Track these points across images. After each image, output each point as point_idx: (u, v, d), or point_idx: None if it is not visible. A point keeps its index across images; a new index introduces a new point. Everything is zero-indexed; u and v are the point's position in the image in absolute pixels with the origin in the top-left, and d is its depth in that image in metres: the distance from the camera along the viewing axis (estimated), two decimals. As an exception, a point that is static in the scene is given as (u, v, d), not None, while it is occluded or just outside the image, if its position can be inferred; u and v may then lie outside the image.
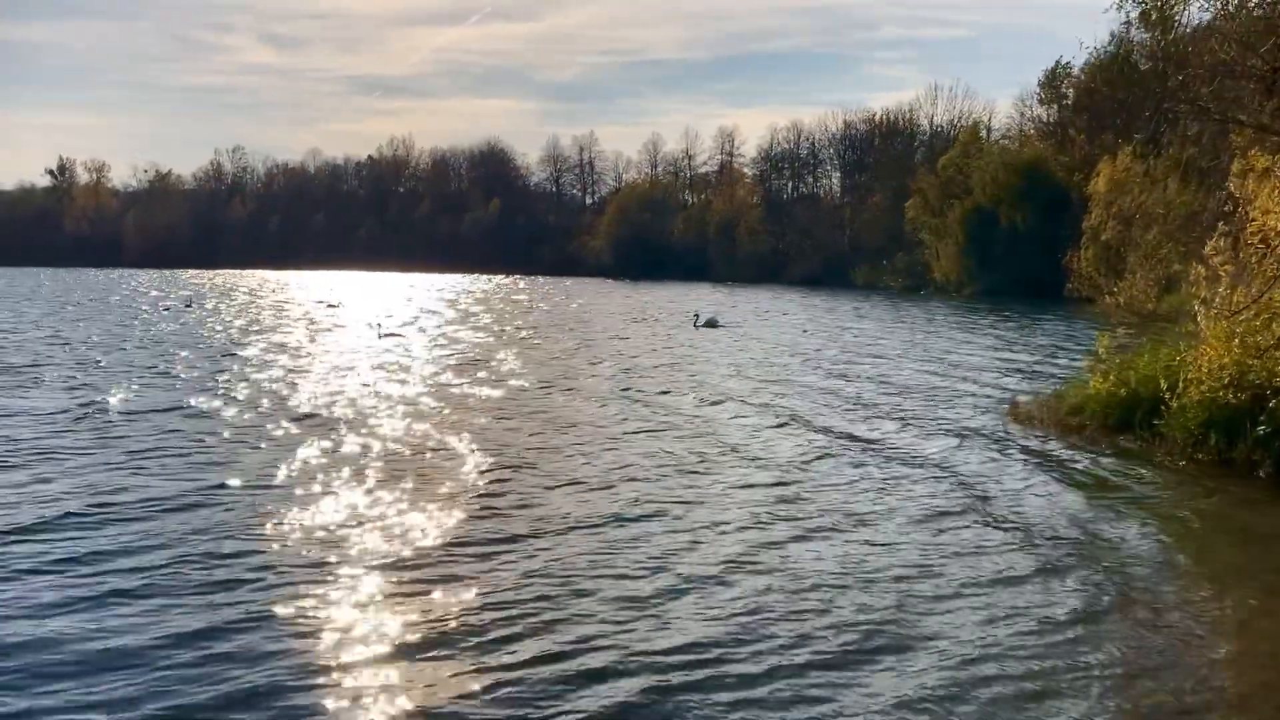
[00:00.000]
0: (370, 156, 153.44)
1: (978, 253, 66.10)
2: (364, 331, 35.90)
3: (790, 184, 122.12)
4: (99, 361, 25.13)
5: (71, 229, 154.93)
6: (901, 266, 79.31)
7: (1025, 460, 14.26)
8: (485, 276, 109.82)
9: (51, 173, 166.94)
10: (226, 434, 15.48)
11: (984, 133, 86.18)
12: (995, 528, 10.81)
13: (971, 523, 10.98)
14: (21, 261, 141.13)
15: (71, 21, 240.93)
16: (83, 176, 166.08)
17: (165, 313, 45.81)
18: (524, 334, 36.81)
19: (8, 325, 36.79)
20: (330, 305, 51.13)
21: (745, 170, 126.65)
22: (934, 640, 7.73)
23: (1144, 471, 13.57)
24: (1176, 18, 17.15)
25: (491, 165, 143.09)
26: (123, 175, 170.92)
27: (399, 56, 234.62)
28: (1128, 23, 19.48)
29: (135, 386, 20.45)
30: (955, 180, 71.90)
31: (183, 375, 22.77)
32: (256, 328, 38.10)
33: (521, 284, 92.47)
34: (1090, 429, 15.76)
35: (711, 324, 40.21)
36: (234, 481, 12.24)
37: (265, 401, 18.76)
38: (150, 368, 24.04)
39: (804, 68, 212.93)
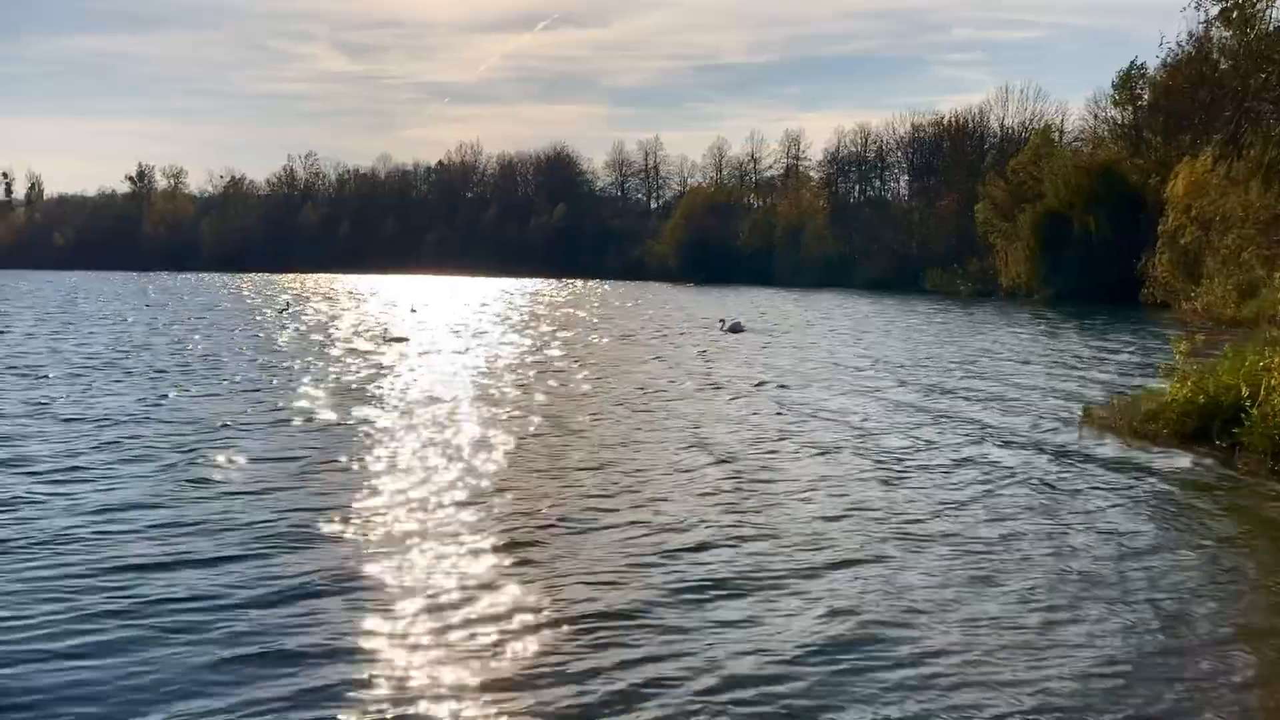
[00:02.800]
0: (439, 162, 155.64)
1: (1049, 257, 64.88)
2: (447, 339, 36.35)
3: (857, 187, 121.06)
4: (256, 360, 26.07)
5: (150, 233, 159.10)
6: (971, 271, 78.17)
7: (1099, 468, 13.95)
8: (550, 281, 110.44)
9: (131, 179, 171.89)
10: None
11: (1056, 135, 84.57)
12: (1071, 539, 10.57)
13: (1048, 535, 10.69)
14: (102, 265, 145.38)
15: (151, 32, 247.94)
16: (161, 182, 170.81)
17: (285, 317, 47.10)
18: (567, 335, 37.02)
19: (169, 332, 37.51)
20: (411, 310, 51.98)
21: (811, 174, 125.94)
22: (1024, 651, 7.59)
23: (1223, 481, 13.20)
24: (1259, 15, 16.70)
25: (557, 170, 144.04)
26: (199, 181, 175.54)
27: (469, 63, 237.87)
28: (1207, 21, 19.02)
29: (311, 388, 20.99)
30: (1026, 184, 70.64)
31: (344, 376, 23.42)
32: (362, 330, 38.80)
33: (584, 288, 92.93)
34: (1166, 437, 15.38)
35: (736, 329, 40.10)
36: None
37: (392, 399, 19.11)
38: (301, 368, 24.72)
39: (872, 71, 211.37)
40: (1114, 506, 11.86)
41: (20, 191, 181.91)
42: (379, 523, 10.69)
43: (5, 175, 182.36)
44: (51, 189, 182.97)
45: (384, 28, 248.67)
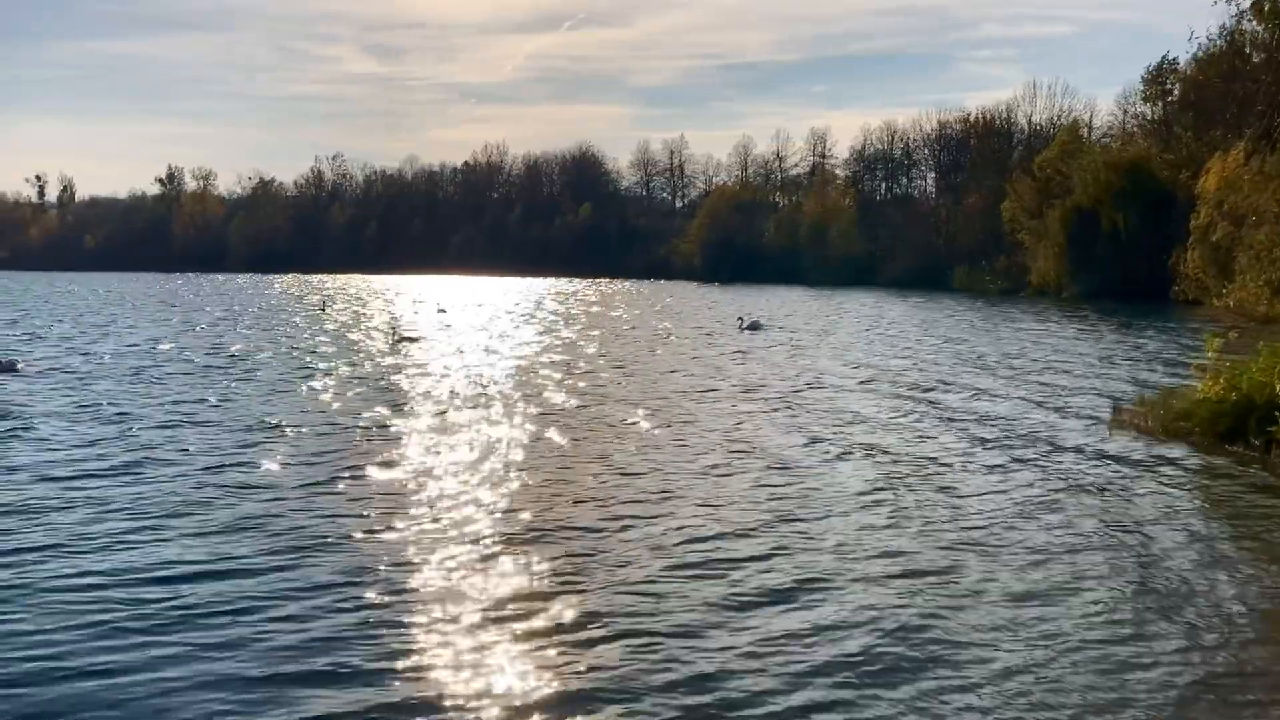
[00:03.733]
0: (465, 163, 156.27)
1: (1078, 254, 64.35)
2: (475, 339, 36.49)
3: (884, 185, 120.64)
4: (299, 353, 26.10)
5: (179, 235, 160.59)
6: (999, 269, 77.71)
7: (1130, 468, 13.79)
8: (575, 280, 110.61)
9: (161, 181, 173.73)
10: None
11: (1084, 131, 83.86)
12: (1114, 544, 10.38)
13: (1091, 541, 10.43)
14: (133, 267, 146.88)
15: (180, 35, 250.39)
16: (190, 184, 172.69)
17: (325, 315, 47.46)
18: (591, 332, 37.05)
19: (234, 333, 37.99)
20: (440, 310, 52.27)
21: (837, 172, 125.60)
22: (1093, 665, 7.46)
23: (1256, 480, 13.01)
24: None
25: (582, 170, 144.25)
26: (228, 183, 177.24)
27: (494, 64, 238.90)
28: (1238, 15, 18.77)
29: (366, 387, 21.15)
30: (1054, 180, 70.13)
31: (382, 376, 23.45)
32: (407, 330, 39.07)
33: (610, 287, 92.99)
34: (1198, 435, 15.18)
35: (755, 326, 39.97)
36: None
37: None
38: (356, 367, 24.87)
39: (899, 68, 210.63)
40: (1144, 507, 11.70)
41: (52, 194, 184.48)
42: (418, 528, 10.54)
43: (38, 178, 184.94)
44: (83, 191, 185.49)
45: (410, 29, 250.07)
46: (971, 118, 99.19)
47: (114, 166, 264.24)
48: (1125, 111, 79.46)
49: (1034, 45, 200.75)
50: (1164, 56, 71.85)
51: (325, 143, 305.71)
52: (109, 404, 18.67)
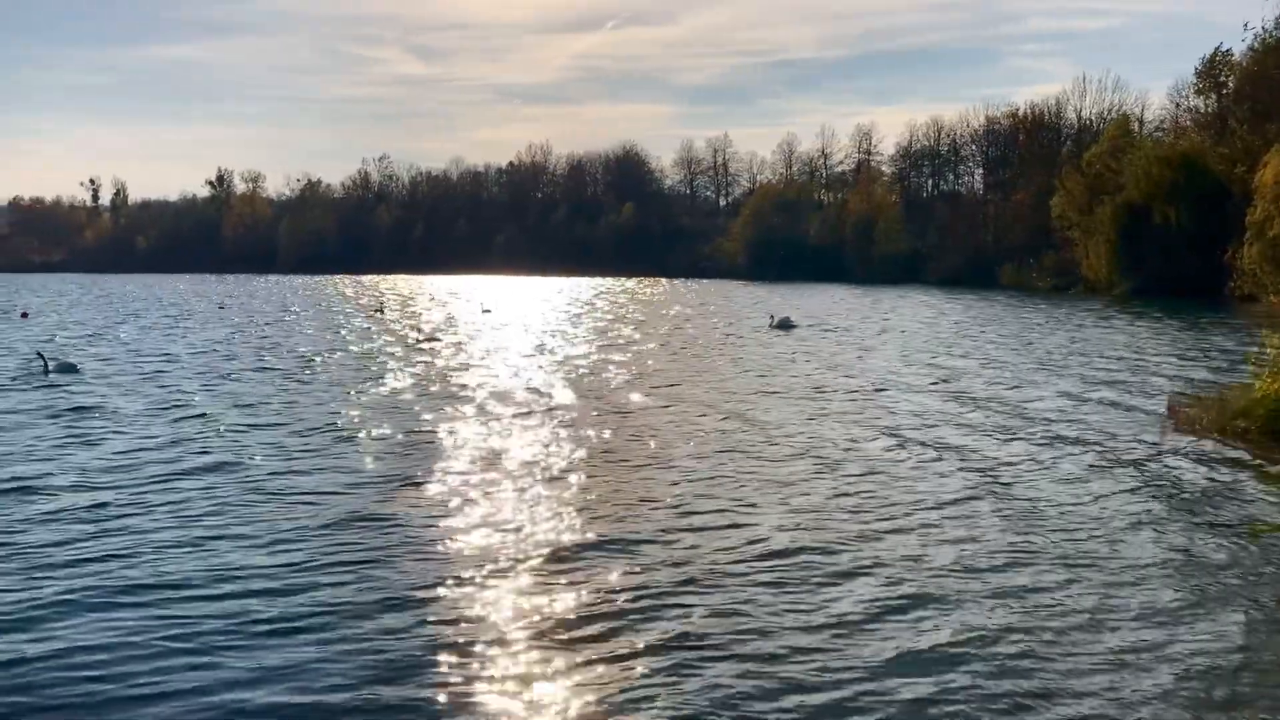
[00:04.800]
0: (510, 163, 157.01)
1: (1129, 251, 63.34)
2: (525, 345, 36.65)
3: (930, 182, 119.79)
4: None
5: (229, 236, 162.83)
6: (1048, 265, 76.72)
7: (1188, 468, 13.59)
8: (619, 279, 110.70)
9: (211, 183, 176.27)
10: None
11: (1135, 125, 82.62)
12: (1164, 541, 10.30)
13: (1158, 544, 10.29)
14: (184, 268, 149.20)
15: (229, 39, 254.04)
16: (240, 186, 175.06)
17: (381, 317, 47.83)
18: (629, 331, 37.07)
19: (297, 334, 38.60)
20: (485, 311, 52.68)
21: (883, 168, 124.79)
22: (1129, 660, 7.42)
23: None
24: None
25: (626, 169, 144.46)
26: (277, 185, 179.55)
27: (538, 64, 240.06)
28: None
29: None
30: (1104, 175, 69.09)
31: (434, 378, 23.72)
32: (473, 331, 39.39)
33: (654, 286, 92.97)
34: (1257, 434, 14.92)
35: (785, 325, 39.74)
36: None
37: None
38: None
39: (946, 63, 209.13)
40: (1205, 508, 11.53)
41: (106, 197, 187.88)
42: (494, 537, 10.31)
43: (92, 182, 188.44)
44: (135, 194, 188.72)
45: (455, 30, 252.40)
46: (1020, 113, 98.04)
47: (165, 169, 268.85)
48: (1178, 105, 78.14)
49: (1083, 38, 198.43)
50: (1217, 48, 70.47)
51: (372, 144, 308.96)
52: (172, 405, 18.88)
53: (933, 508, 11.57)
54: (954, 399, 20.18)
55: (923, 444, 15.36)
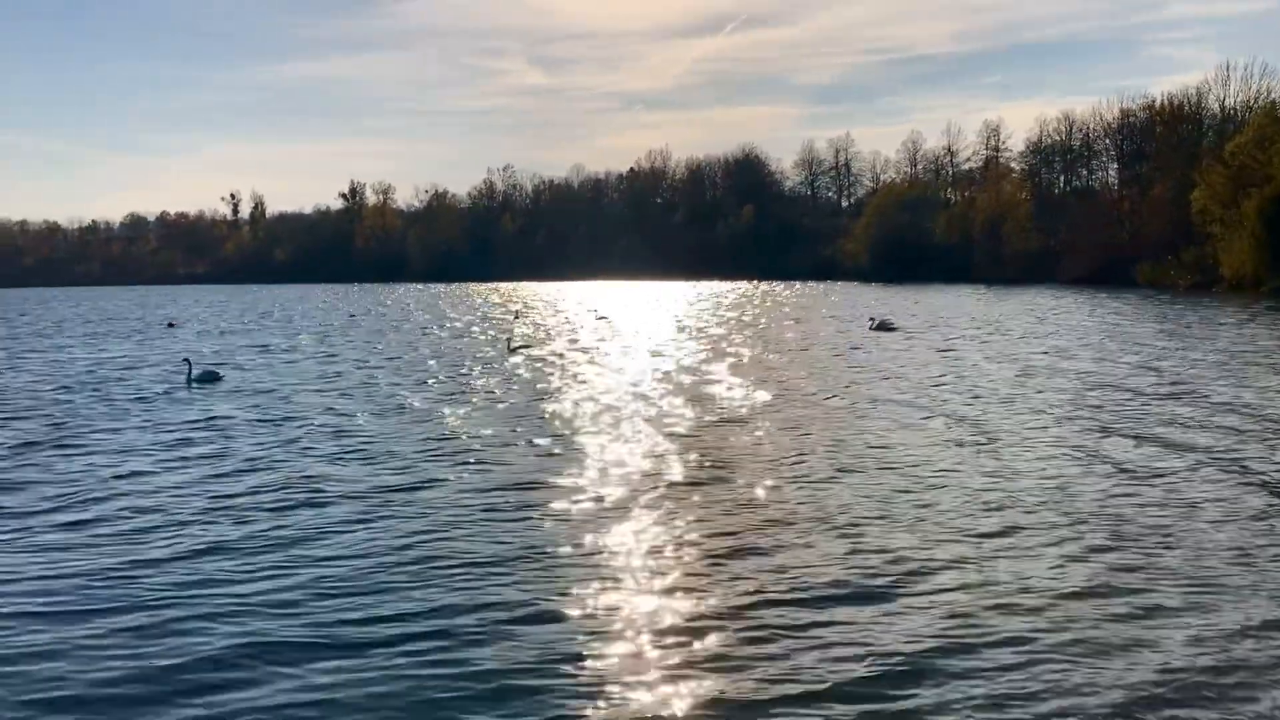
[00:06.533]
0: (630, 170, 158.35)
1: (1277, 246, 60.20)
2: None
3: (1062, 178, 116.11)
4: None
5: (361, 247, 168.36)
6: (1187, 262, 73.38)
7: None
8: (738, 283, 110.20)
9: (344, 196, 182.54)
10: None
11: (1284, 113, 78.37)
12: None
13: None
14: (318, 278, 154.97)
15: (361, 55, 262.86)
16: (371, 199, 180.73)
17: (516, 323, 48.73)
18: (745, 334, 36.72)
19: (438, 343, 39.71)
20: (599, 316, 53.21)
21: (1012, 165, 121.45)
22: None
23: None
24: None
25: (745, 172, 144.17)
26: (406, 196, 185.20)
27: (658, 70, 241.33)
28: None
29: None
30: (1249, 167, 65.75)
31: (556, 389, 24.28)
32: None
33: (773, 289, 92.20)
34: None
35: (885, 326, 38.72)
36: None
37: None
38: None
39: (1077, 55, 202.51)
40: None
41: (245, 211, 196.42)
42: (614, 547, 10.32)
43: (233, 196, 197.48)
44: (272, 208, 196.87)
45: (576, 39, 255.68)
46: (1157, 104, 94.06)
47: (300, 183, 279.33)
48: (1331, 91, 73.92)
49: (1226, 24, 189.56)
50: (1375, 29, 66.34)
51: (497, 154, 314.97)
52: (316, 416, 19.10)
53: (1072, 525, 11.01)
54: (1106, 409, 19.33)
55: (1081, 460, 14.72)
